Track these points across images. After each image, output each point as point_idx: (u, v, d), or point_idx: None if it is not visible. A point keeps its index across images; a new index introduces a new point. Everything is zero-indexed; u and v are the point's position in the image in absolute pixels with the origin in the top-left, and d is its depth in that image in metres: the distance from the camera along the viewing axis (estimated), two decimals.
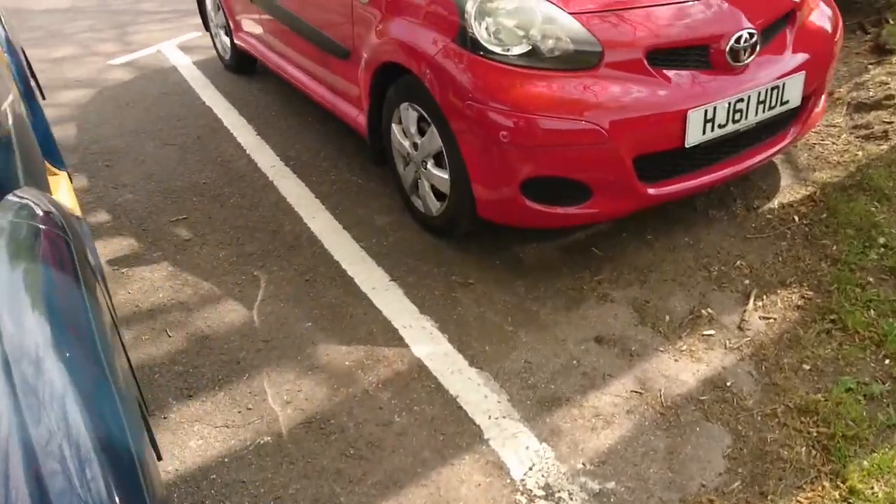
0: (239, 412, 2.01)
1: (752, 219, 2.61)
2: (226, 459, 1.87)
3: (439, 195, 2.56)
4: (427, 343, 2.19)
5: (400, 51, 2.43)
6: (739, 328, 2.16)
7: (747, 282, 2.32)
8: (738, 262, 2.41)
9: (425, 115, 2.43)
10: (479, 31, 2.18)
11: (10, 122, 1.90)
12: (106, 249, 2.79)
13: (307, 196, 3.04)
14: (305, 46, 3.23)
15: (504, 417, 1.92)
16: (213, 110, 3.98)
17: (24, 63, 2.54)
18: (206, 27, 4.67)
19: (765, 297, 2.25)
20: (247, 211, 2.98)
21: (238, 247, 2.75)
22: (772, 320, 2.17)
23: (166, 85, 4.43)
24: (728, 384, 1.97)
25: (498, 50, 2.17)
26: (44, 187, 2.10)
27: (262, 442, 1.91)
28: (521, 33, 2.17)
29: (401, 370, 2.11)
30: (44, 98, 3.26)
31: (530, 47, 2.16)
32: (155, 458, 1.33)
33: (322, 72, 3.17)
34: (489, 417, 1.93)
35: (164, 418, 2.01)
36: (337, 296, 2.44)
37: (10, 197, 1.45)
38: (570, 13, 2.15)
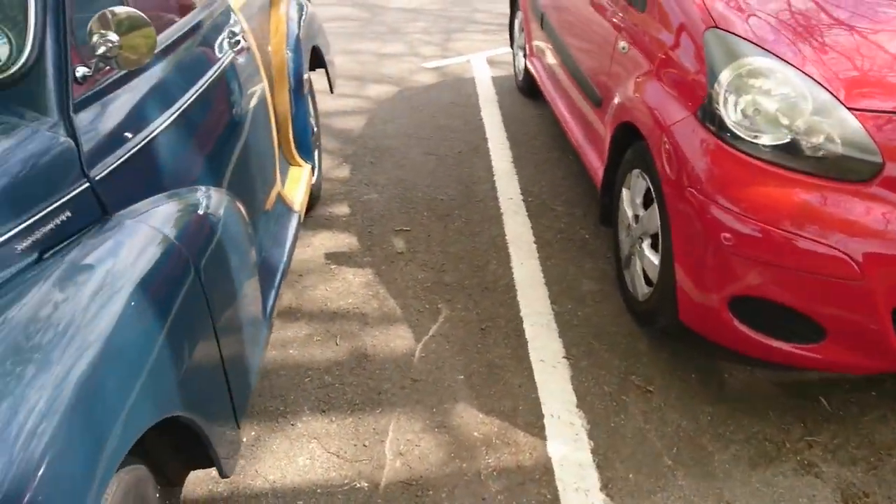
0: (354, 445, 1.97)
1: None
2: (318, 490, 1.83)
3: (648, 280, 2.23)
4: (566, 444, 1.92)
5: (638, 111, 2.15)
6: None
7: None
8: None
9: (652, 189, 2.12)
10: (728, 109, 1.82)
11: (250, 112, 2.07)
12: (329, 241, 2.96)
13: (527, 239, 2.89)
14: (571, 83, 3.07)
15: None
16: (485, 128, 4.02)
17: (304, 60, 2.77)
18: (511, 45, 4.74)
19: None
20: (464, 238, 2.93)
21: (438, 273, 2.71)
22: None
23: (458, 95, 4.59)
24: None
25: (746, 136, 1.78)
26: (268, 177, 2.26)
27: (357, 486, 1.84)
28: (784, 121, 1.75)
29: (524, 465, 1.87)
30: (331, 92, 3.58)
31: (789, 140, 1.74)
32: None
33: (579, 113, 2.98)
34: None
35: (292, 425, 2.04)
36: (502, 356, 2.26)
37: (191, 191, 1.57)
38: (850, 108, 1.68)
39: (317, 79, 3.48)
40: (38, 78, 1.26)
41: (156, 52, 1.58)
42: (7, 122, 1.23)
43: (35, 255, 1.16)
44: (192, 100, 1.67)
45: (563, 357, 2.24)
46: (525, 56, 4.24)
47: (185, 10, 1.90)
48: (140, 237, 1.29)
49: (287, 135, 2.68)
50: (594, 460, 1.87)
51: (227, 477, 1.55)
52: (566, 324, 2.38)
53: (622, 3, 2.44)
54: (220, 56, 1.91)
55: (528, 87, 4.33)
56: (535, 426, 1.99)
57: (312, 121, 3.16)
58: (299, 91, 2.73)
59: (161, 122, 1.52)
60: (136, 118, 1.45)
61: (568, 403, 2.06)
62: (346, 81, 4.92)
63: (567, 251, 2.79)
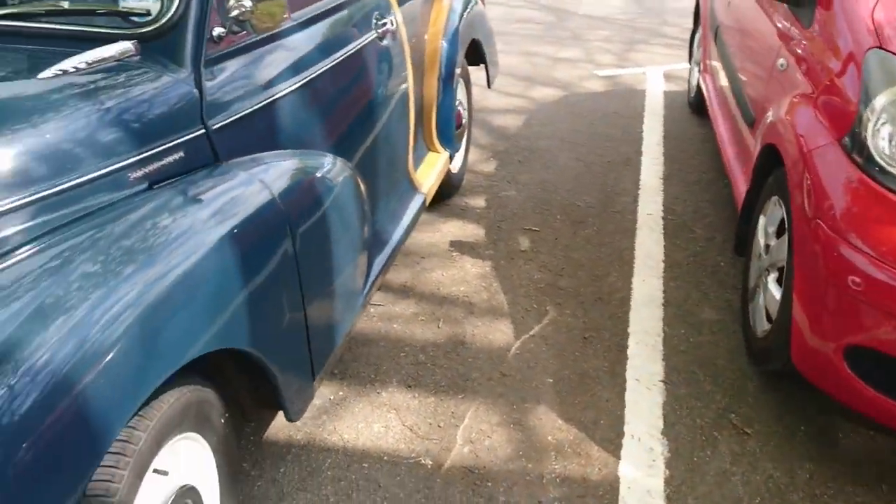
0: (429, 424, 2.01)
1: None
2: (385, 458, 1.90)
3: (769, 316, 2.06)
4: (640, 468, 1.83)
5: (782, 132, 1.98)
6: None
7: None
8: None
9: (786, 218, 1.96)
10: (878, 139, 1.63)
11: (384, 92, 2.18)
12: (457, 230, 3.02)
13: (655, 257, 2.77)
14: (731, 99, 2.89)
15: None
16: (643, 141, 3.89)
17: (459, 52, 2.85)
18: (689, 59, 4.54)
19: None
20: (591, 246, 2.87)
21: (555, 276, 2.68)
22: None
23: (624, 105, 4.47)
24: None
25: None
26: (396, 156, 2.36)
27: (421, 462, 1.88)
28: None
29: (590, 479, 1.81)
30: (489, 87, 3.64)
31: None
32: None
33: (734, 132, 2.80)
34: None
35: (378, 393, 2.13)
36: (597, 368, 2.19)
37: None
38: None
39: (478, 74, 3.56)
40: (179, 33, 1.42)
41: (294, 22, 1.72)
42: (149, 68, 1.40)
43: (146, 184, 1.32)
44: (321, 71, 1.79)
45: (661, 380, 2.13)
46: (700, 71, 4.05)
47: None
48: (241, 185, 1.41)
49: (430, 121, 2.78)
50: (665, 490, 1.77)
51: (293, 421, 1.66)
52: (673, 348, 2.26)
53: (789, 17, 2.26)
54: (360, 34, 2.03)
55: (698, 104, 4.13)
56: (612, 443, 1.91)
57: (463, 112, 3.24)
58: (449, 80, 2.81)
59: (285, 87, 1.65)
60: (261, 79, 1.59)
61: (653, 428, 1.96)
62: (515, 81, 4.97)
63: (695, 275, 2.64)
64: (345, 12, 1.97)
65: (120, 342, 1.04)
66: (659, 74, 5.09)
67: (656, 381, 2.13)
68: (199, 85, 1.42)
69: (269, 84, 1.60)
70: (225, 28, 1.47)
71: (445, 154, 2.86)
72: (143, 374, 1.08)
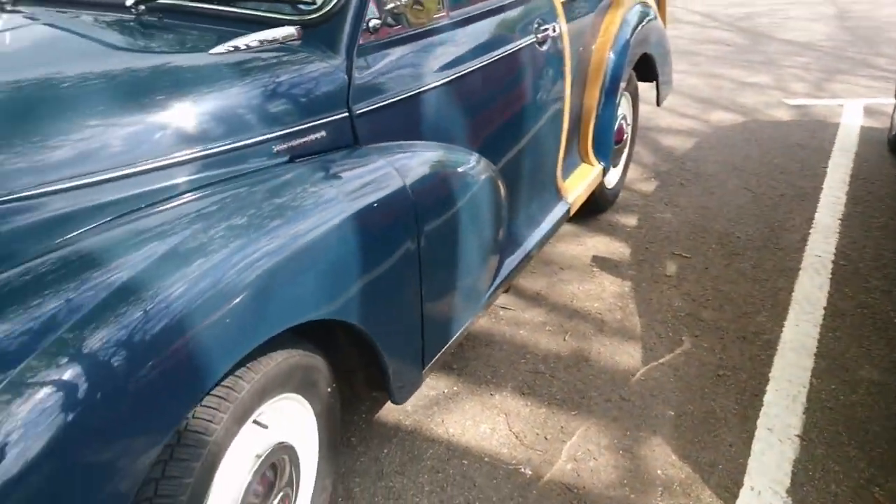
0: (536, 434, 1.98)
1: None
2: (485, 459, 1.89)
3: None
4: None
5: None
6: None
7: None
8: None
9: None
10: None
11: (537, 97, 2.18)
12: (602, 246, 2.95)
13: (816, 303, 2.53)
14: None
15: None
16: (825, 178, 3.56)
17: (626, 65, 2.77)
18: None
19: None
20: (744, 281, 2.68)
21: (698, 307, 2.53)
22: None
23: (810, 138, 4.12)
24: None
25: None
26: (542, 163, 2.36)
27: (521, 471, 1.86)
28: None
29: None
30: (658, 105, 3.51)
31: None
32: None
33: None
34: None
35: (491, 395, 2.13)
36: (725, 409, 2.04)
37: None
38: None
39: (652, 93, 3.45)
40: (338, 22, 1.51)
41: (451, 20, 1.77)
42: (306, 52, 1.51)
43: (286, 158, 1.42)
44: (472, 69, 1.82)
45: (797, 435, 1.94)
46: None
47: None
48: (375, 170, 1.47)
49: (586, 132, 2.73)
50: None
51: (397, 404, 1.70)
52: (818, 403, 2.05)
53: None
54: (518, 37, 2.04)
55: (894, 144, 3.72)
56: (728, 492, 1.77)
57: (626, 127, 3.16)
58: (611, 93, 2.74)
59: (433, 81, 1.70)
60: (410, 71, 1.64)
61: (777, 484, 1.79)
62: (692, 102, 4.75)
63: (860, 329, 2.38)
64: (505, 14, 2.00)
65: (244, 291, 1.13)
66: (858, 108, 4.63)
67: (791, 434, 1.94)
68: (349, 71, 1.50)
69: (417, 76, 1.66)
70: (380, 20, 1.54)
71: (599, 167, 2.80)
72: (256, 325, 1.17)
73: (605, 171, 2.85)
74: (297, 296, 1.24)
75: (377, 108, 1.57)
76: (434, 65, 1.71)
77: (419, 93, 1.67)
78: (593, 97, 2.70)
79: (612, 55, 2.73)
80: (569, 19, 2.39)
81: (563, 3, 2.33)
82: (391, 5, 1.51)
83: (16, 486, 0.88)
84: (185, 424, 1.11)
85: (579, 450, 1.92)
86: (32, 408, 0.91)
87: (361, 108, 1.53)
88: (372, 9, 1.54)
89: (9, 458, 0.88)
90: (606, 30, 2.77)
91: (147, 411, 1.02)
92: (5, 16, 1.79)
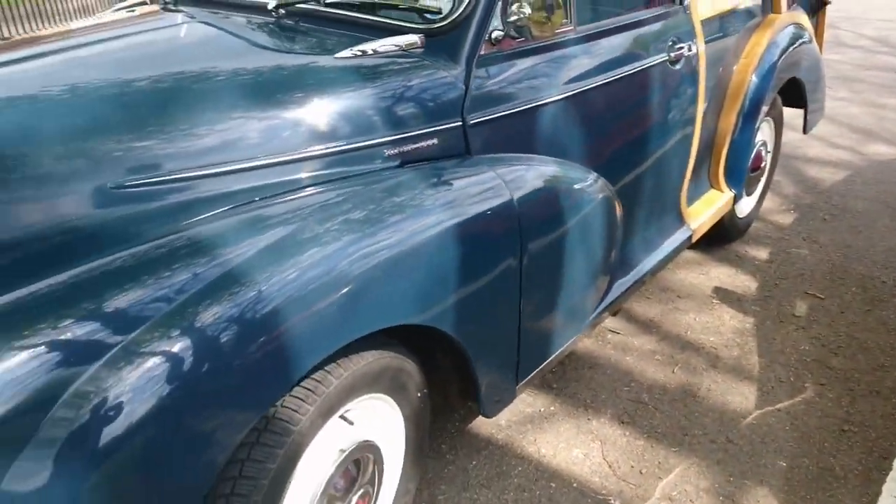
0: (631, 466, 1.89)
1: None
2: (574, 485, 1.84)
3: None
4: None
5: None
6: None
7: None
8: None
9: None
10: None
11: (664, 118, 2.11)
12: (726, 277, 2.78)
13: None
14: None
15: None
16: None
17: (770, 88, 2.61)
18: None
19: None
20: (884, 331, 2.44)
21: (828, 353, 2.33)
22: None
23: None
24: None
25: None
26: (665, 186, 2.27)
27: (610, 502, 1.79)
28: None
29: None
30: (804, 132, 3.27)
31: None
32: None
33: None
34: None
35: (588, 420, 2.06)
36: (847, 468, 1.86)
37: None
38: None
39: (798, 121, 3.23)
40: (461, 32, 1.53)
41: (577, 35, 1.74)
42: (428, 60, 1.53)
43: (397, 162, 1.45)
44: (594, 86, 1.78)
45: None
46: None
47: (629, 5, 2.01)
48: (483, 181, 1.47)
49: (718, 157, 2.59)
50: None
51: (488, 417, 1.69)
52: None
53: None
54: (648, 55, 1.97)
55: None
56: None
57: (765, 154, 2.97)
58: (750, 118, 2.59)
59: (552, 95, 1.67)
60: (528, 84, 1.63)
61: None
62: (847, 132, 4.40)
63: None
64: (636, 31, 1.93)
65: (347, 286, 1.17)
66: None
67: None
68: (466, 81, 1.51)
69: (536, 89, 1.64)
70: (503, 31, 1.54)
71: (730, 194, 2.65)
72: (351, 322, 1.20)
73: (736, 199, 2.70)
74: (393, 298, 1.27)
75: (491, 118, 1.56)
76: (554, 78, 1.68)
77: (537, 106, 1.65)
78: (729, 121, 2.56)
79: (754, 78, 2.58)
80: (708, 39, 2.28)
81: (703, 22, 2.23)
82: (514, 17, 1.51)
83: (121, 443, 0.96)
84: (273, 412, 1.16)
85: (675, 489, 1.82)
86: (141, 374, 0.98)
87: (476, 118, 1.53)
88: (496, 20, 1.55)
89: (118, 418, 0.96)
90: (751, 51, 2.62)
91: (240, 391, 1.08)
92: (170, 14, 1.96)
